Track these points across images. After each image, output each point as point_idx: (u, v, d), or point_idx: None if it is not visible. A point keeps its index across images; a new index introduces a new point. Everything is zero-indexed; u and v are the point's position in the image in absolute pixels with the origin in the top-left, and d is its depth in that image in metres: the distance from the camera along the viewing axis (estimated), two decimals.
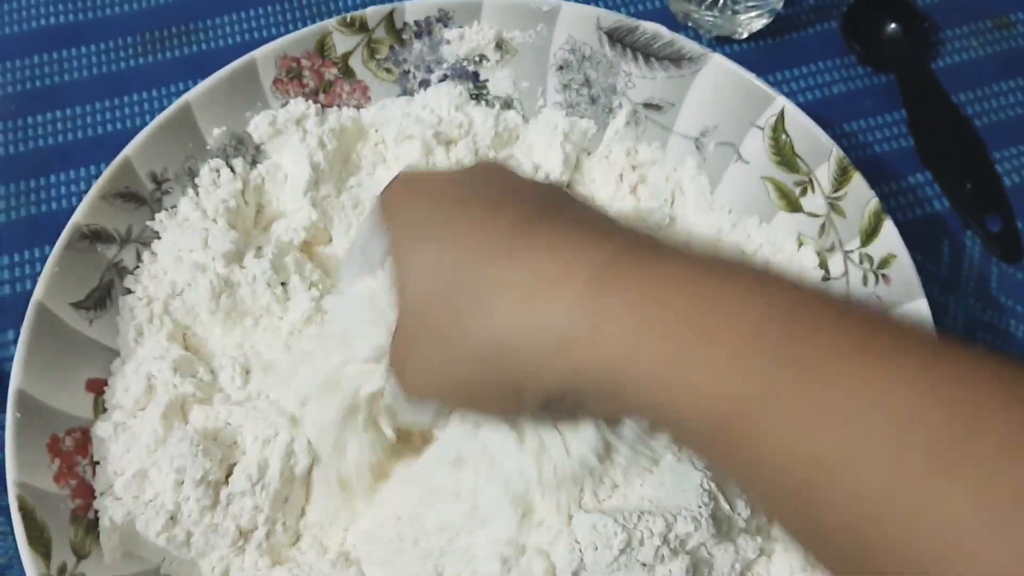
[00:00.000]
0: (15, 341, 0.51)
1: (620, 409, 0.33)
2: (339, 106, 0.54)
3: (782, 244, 0.50)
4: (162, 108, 0.51)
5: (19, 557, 0.46)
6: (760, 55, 0.63)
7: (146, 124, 0.50)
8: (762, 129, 0.51)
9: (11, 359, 0.50)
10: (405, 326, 0.36)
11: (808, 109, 0.51)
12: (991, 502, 0.23)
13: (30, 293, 0.45)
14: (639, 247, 0.32)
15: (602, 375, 0.30)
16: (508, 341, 0.32)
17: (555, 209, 0.35)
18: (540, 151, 0.54)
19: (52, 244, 0.46)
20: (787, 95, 0.53)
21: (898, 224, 0.48)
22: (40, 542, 0.40)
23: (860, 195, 0.48)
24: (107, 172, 0.48)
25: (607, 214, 0.36)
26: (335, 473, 0.43)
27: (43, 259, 0.53)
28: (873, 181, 0.49)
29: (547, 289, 0.31)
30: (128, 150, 0.48)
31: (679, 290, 0.29)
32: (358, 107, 0.54)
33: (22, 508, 0.40)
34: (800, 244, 0.50)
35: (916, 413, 0.24)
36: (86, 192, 0.48)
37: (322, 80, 0.53)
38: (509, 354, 0.32)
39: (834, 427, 0.25)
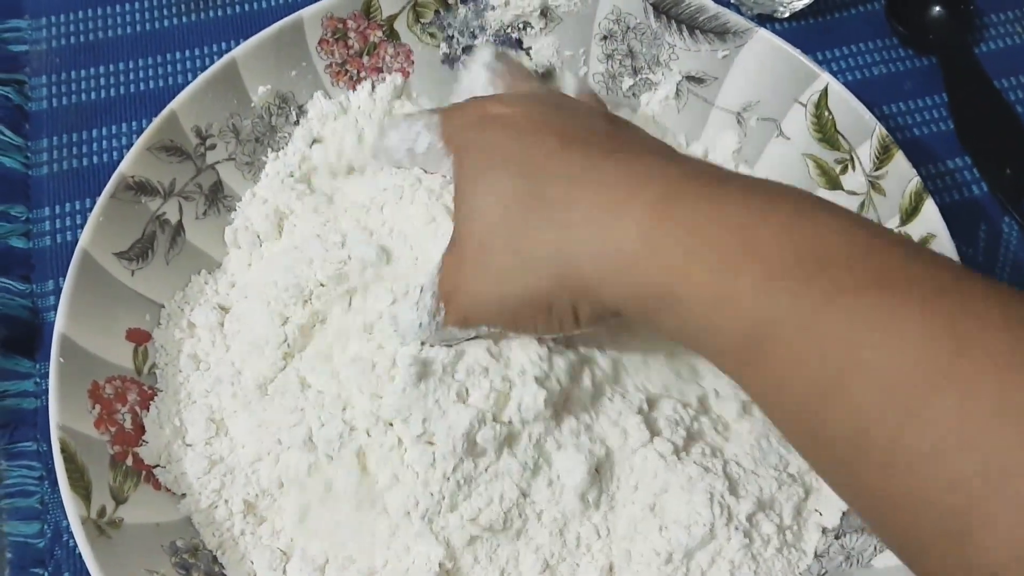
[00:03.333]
0: (55, 292, 0.51)
1: (665, 330, 0.34)
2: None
3: None
4: (205, 67, 0.50)
5: (54, 502, 0.47)
6: (801, 34, 0.62)
7: (189, 82, 0.50)
8: (805, 106, 0.51)
9: (50, 309, 0.51)
10: (462, 250, 0.38)
11: (848, 89, 0.50)
12: (971, 414, 0.25)
13: (72, 245, 0.46)
14: (701, 173, 0.35)
15: (656, 291, 0.32)
16: (571, 259, 0.34)
17: (625, 139, 0.38)
18: None
19: (94, 197, 0.47)
20: None
21: None
22: (81, 484, 0.40)
23: (902, 174, 0.48)
24: (153, 125, 0.48)
25: (669, 145, 0.39)
26: None
27: (84, 212, 0.54)
28: (912, 163, 0.48)
29: (613, 210, 0.34)
30: (174, 104, 0.48)
31: (732, 214, 0.32)
32: (401, 72, 0.54)
33: (64, 450, 0.40)
34: None
35: (912, 335, 0.27)
36: (128, 147, 0.48)
37: (367, 42, 0.53)
38: (571, 272, 0.35)
39: (837, 351, 0.28)
